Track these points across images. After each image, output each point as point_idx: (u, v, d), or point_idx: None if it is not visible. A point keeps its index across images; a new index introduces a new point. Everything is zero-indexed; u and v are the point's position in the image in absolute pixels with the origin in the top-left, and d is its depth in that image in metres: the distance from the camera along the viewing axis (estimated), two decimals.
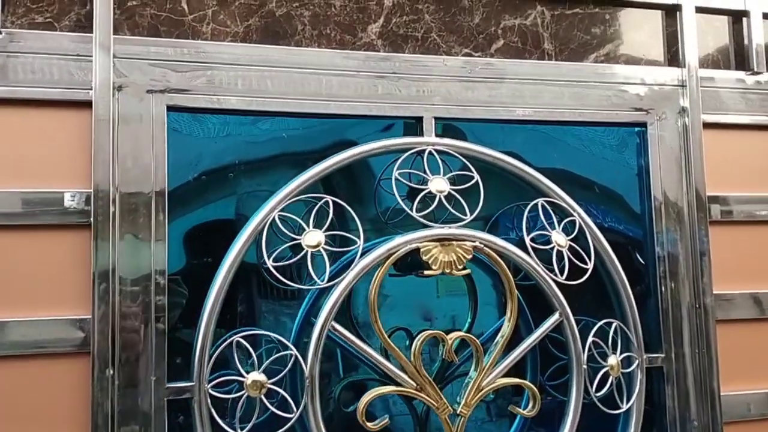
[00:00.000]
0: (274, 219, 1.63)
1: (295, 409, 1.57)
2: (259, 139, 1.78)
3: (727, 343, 1.98)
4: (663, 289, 1.94)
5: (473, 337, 1.72)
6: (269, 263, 1.59)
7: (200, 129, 1.72)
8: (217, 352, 1.56)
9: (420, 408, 1.81)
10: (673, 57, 2.05)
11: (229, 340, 1.57)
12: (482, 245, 1.73)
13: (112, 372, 1.52)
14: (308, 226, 1.65)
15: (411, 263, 1.82)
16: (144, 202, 1.58)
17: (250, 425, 1.54)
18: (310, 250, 1.62)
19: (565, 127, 1.95)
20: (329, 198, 1.66)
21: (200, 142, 1.71)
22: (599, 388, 1.79)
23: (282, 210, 1.64)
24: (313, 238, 1.64)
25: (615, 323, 1.85)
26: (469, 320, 1.84)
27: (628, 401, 1.84)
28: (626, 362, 1.85)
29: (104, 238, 1.54)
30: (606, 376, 1.81)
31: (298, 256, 1.62)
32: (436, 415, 1.68)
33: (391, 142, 1.78)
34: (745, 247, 2.04)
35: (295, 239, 1.63)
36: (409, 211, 1.70)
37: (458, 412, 1.67)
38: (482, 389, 1.70)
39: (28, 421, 1.49)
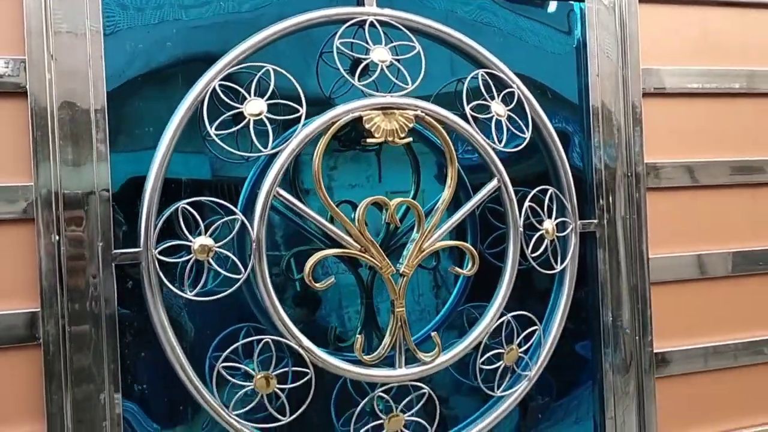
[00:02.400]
0: (214, 88, 1.63)
1: (243, 270, 1.61)
2: None
3: (656, 209, 2.08)
4: (597, 157, 2.02)
5: (414, 201, 1.77)
6: (212, 131, 1.60)
7: None
8: (163, 218, 1.58)
9: (366, 276, 1.88)
10: None
11: (174, 207, 1.59)
12: (423, 114, 1.76)
13: (57, 238, 1.53)
14: (249, 95, 1.65)
15: (354, 138, 1.86)
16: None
17: (198, 287, 1.59)
18: (252, 118, 1.64)
19: None
20: (270, 67, 1.66)
21: None
22: (535, 250, 1.88)
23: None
24: (255, 106, 1.64)
25: (551, 190, 1.92)
26: (412, 190, 1.89)
27: (562, 263, 1.94)
28: (561, 227, 1.94)
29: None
30: (541, 239, 1.90)
31: (241, 125, 1.63)
32: (381, 278, 1.76)
33: (330, 12, 1.77)
34: (678, 117, 2.12)
35: (236, 108, 1.63)
36: (351, 80, 1.72)
37: (401, 272, 1.74)
38: (423, 251, 1.76)
39: None
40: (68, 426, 1.53)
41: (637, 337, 2.04)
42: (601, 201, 2.02)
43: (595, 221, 2.01)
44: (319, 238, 1.80)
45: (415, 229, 1.76)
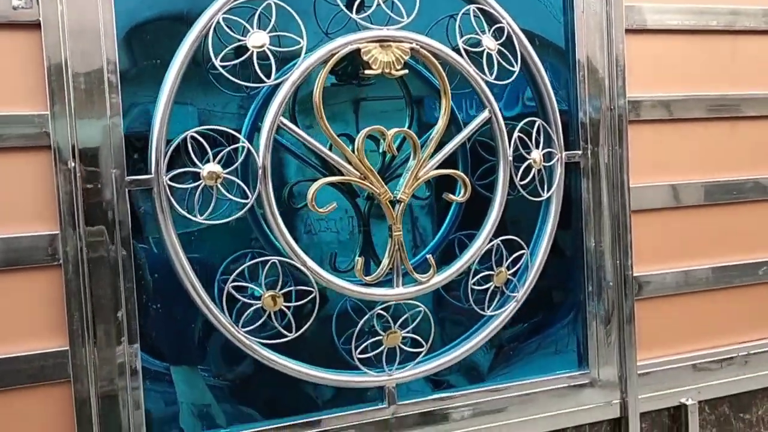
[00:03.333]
0: (218, 21, 1.69)
1: (250, 195, 1.71)
2: None
3: (637, 142, 2.19)
4: (582, 91, 2.11)
5: (410, 131, 1.87)
6: (217, 62, 1.67)
7: None
8: (173, 146, 1.67)
9: (363, 205, 1.98)
10: None
11: (183, 136, 1.67)
12: (419, 46, 1.84)
13: (73, 164, 1.61)
14: (252, 27, 1.72)
15: (351, 73, 1.94)
16: None
17: (208, 212, 1.68)
18: (255, 50, 1.71)
19: None
20: (272, 1, 1.73)
21: None
22: (522, 179, 1.99)
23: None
24: (257, 38, 1.71)
25: (538, 122, 2.02)
26: (405, 124, 1.98)
27: (548, 192, 2.05)
28: (547, 158, 2.04)
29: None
30: (529, 169, 2.00)
31: (244, 56, 1.70)
32: (378, 205, 1.86)
33: None
34: (659, 54, 2.22)
35: (240, 40, 1.71)
36: (349, 14, 1.79)
37: (398, 198, 1.84)
38: (419, 178, 1.87)
39: None
40: (88, 340, 1.63)
41: (617, 262, 2.16)
42: (585, 133, 2.12)
43: (580, 152, 2.12)
44: (319, 170, 1.89)
45: (411, 158, 1.86)
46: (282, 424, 1.82)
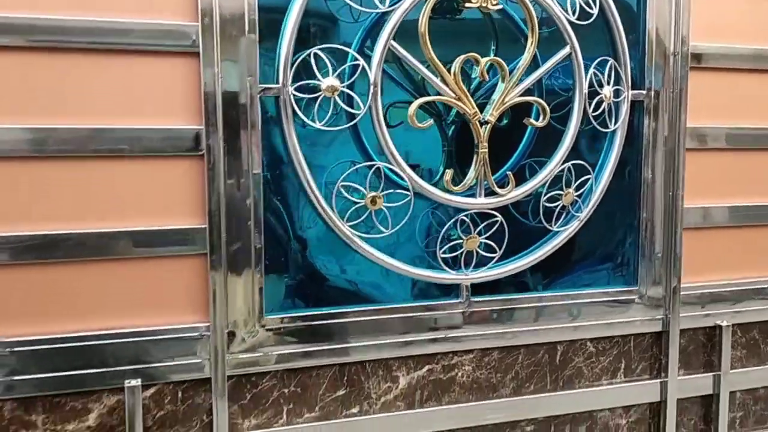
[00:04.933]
0: None
1: (362, 107, 1.98)
2: None
3: (697, 87, 2.42)
4: (650, 37, 2.34)
5: (500, 59, 2.12)
6: None
7: None
8: (299, 60, 1.93)
9: (449, 129, 2.25)
10: None
11: (308, 52, 1.94)
12: None
13: (216, 70, 1.88)
14: None
15: (447, 8, 2.18)
16: None
17: (326, 119, 1.95)
18: None
19: None
20: None
21: None
22: (594, 111, 2.24)
23: None
24: None
25: (610, 61, 2.26)
26: (491, 53, 2.23)
27: (614, 125, 2.29)
28: (615, 95, 2.28)
29: None
30: (600, 103, 2.25)
31: None
32: (469, 125, 2.12)
33: None
34: (726, 6, 2.43)
35: None
36: None
37: (486, 119, 2.10)
38: (505, 103, 2.12)
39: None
40: (222, 221, 1.92)
41: (669, 194, 2.41)
42: (650, 75, 2.35)
43: (644, 92, 2.35)
44: (411, 93, 2.15)
45: (500, 83, 2.11)
46: (375, 307, 2.12)
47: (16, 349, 1.79)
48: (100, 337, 1.85)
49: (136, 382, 1.86)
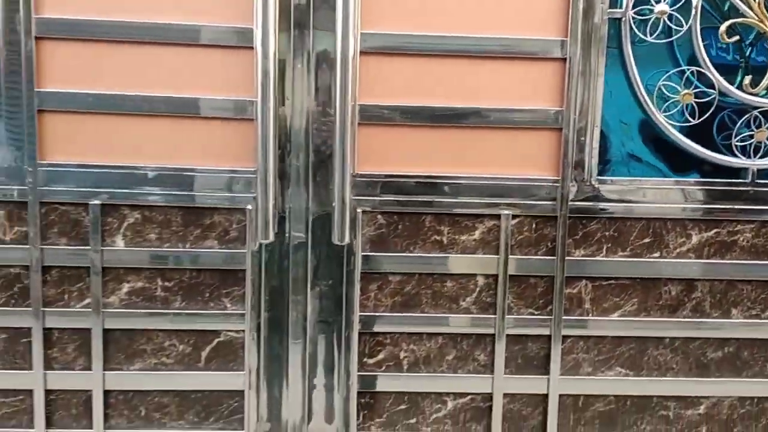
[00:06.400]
0: None
1: (684, 25, 2.67)
2: None
3: None
4: None
5: None
6: None
7: None
8: None
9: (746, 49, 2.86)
10: None
11: None
12: None
13: None
14: None
15: None
16: None
17: (655, 34, 2.67)
18: None
19: None
20: None
21: None
22: None
23: None
24: None
25: None
26: None
27: None
28: None
29: None
30: None
31: None
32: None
33: None
34: None
35: None
36: None
37: None
38: None
39: None
40: (576, 107, 2.73)
41: None
42: None
43: None
44: (715, 16, 2.78)
45: None
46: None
47: (435, 181, 2.75)
48: (487, 179, 2.76)
49: (507, 211, 2.75)
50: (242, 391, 2.78)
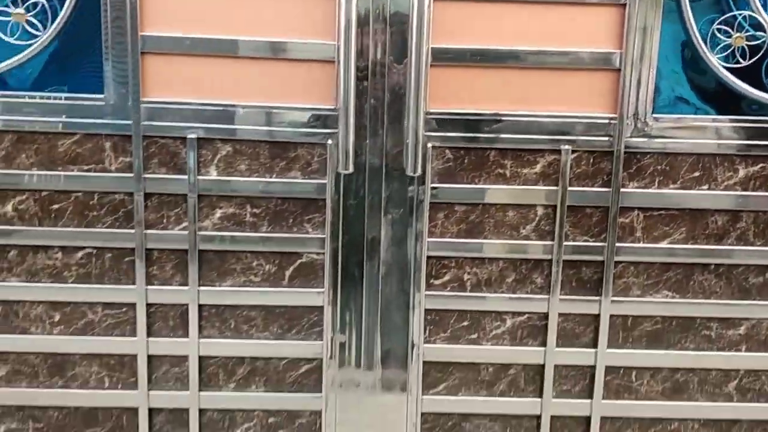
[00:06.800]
0: None
1: None
2: None
3: None
4: None
5: None
6: None
7: None
8: None
9: None
10: None
11: None
12: None
13: None
14: None
15: None
16: None
17: None
18: None
19: None
20: None
21: None
22: None
23: None
24: None
25: None
26: None
27: None
28: None
29: None
30: None
31: None
32: None
33: None
34: None
35: None
36: None
37: None
38: None
39: None
40: (634, 50, 2.91)
41: None
42: None
43: None
44: None
45: None
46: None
47: (500, 119, 2.97)
48: (549, 116, 2.97)
49: (567, 147, 2.98)
50: (321, 307, 3.09)
